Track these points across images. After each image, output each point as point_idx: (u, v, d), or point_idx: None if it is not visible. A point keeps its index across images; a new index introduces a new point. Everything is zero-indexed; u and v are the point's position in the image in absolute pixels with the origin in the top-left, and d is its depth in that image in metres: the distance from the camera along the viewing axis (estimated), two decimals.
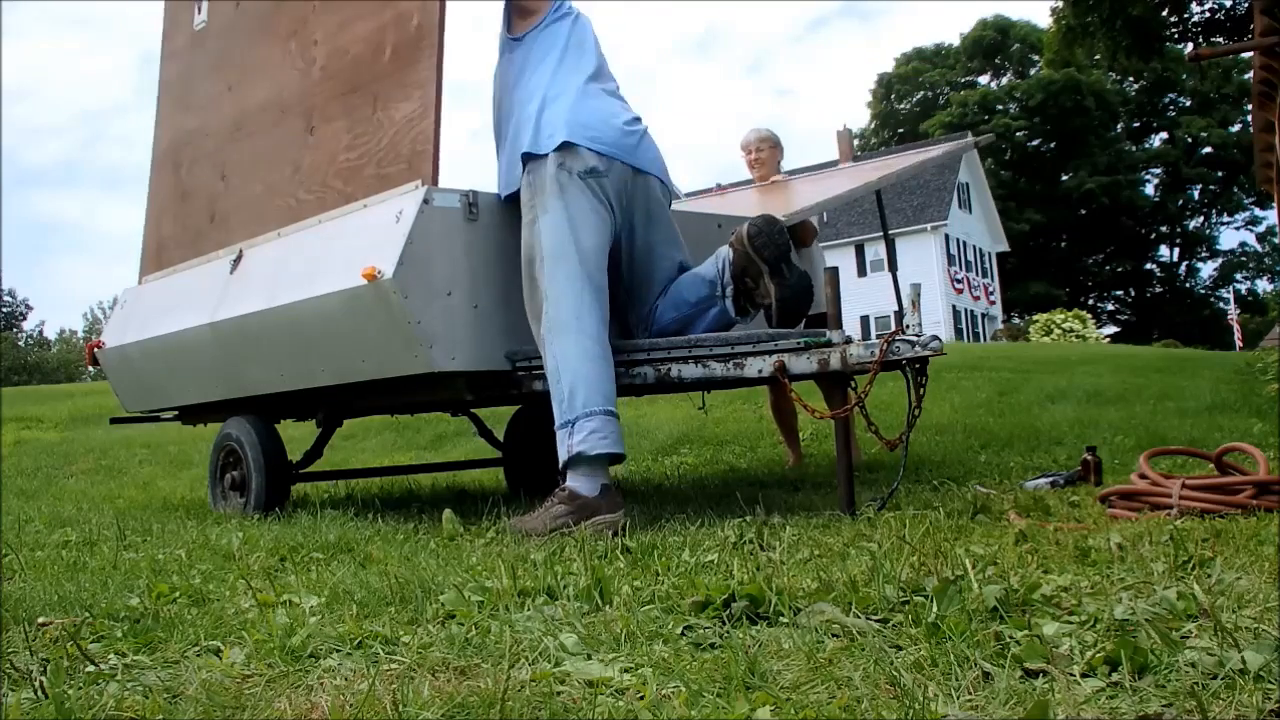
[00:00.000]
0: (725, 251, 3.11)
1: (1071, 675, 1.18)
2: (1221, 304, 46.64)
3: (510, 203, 3.14)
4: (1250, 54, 8.76)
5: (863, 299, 33.56)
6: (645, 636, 1.45)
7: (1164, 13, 15.09)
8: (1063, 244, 47.59)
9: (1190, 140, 47.00)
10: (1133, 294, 50.47)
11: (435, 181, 3.05)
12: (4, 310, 51.49)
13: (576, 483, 2.80)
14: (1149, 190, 48.77)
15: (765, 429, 6.40)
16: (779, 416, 5.12)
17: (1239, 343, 30.99)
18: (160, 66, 4.78)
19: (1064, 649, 1.28)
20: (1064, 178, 46.28)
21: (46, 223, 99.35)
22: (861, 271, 35.82)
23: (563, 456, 2.83)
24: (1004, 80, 49.06)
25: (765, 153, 5.02)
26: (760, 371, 2.91)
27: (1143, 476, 2.78)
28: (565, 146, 2.96)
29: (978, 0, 69.42)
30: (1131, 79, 44.68)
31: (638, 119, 3.19)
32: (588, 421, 2.80)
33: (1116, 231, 46.46)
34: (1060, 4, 16.30)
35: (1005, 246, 41.08)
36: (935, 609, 1.44)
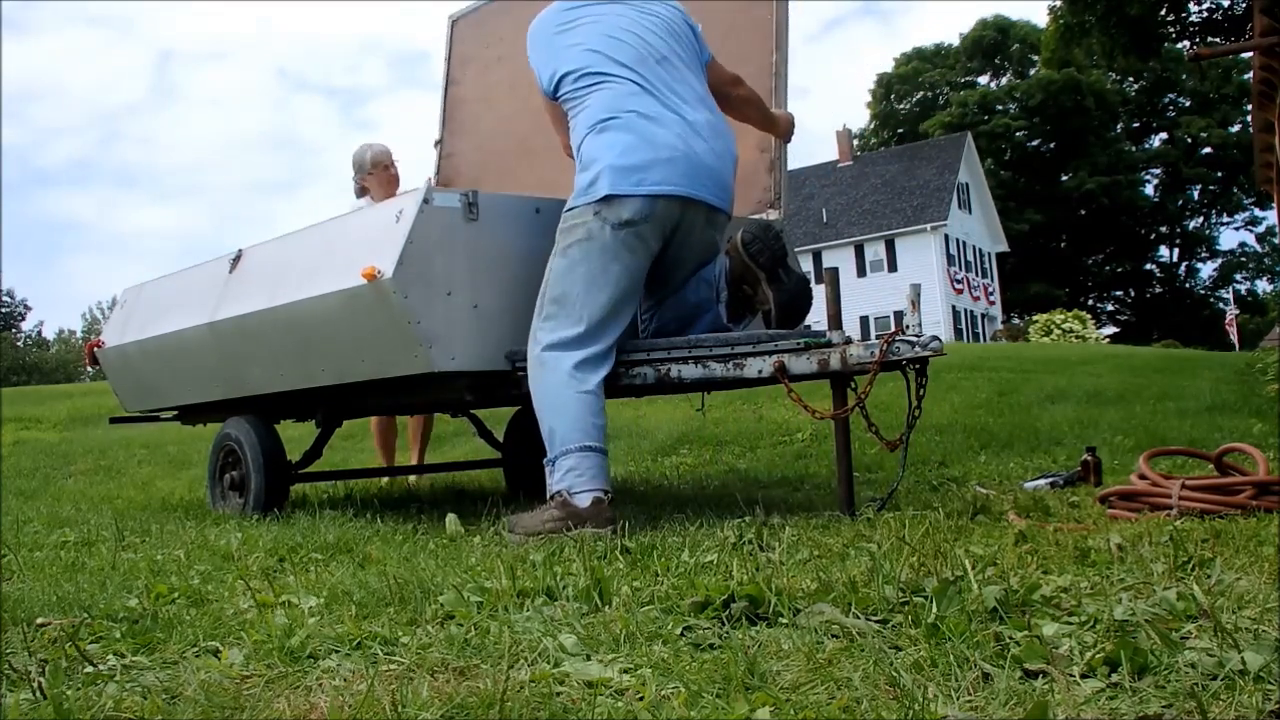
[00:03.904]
0: (723, 259, 3.10)
1: (1071, 676, 1.18)
2: (1221, 304, 46.64)
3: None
4: (1250, 54, 8.76)
5: (862, 299, 33.61)
6: (645, 637, 1.45)
7: (1162, 12, 15.09)
8: (1062, 244, 47.59)
9: (1190, 140, 47.00)
10: (1132, 294, 50.47)
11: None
12: (3, 310, 51.48)
13: (571, 494, 2.79)
14: (1149, 190, 48.79)
15: (765, 429, 6.40)
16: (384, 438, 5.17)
17: (1235, 343, 30.99)
18: None
19: (1064, 650, 1.28)
20: (1064, 178, 46.28)
21: (60, 222, 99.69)
22: (861, 272, 35.87)
23: (549, 493, 2.84)
24: (1004, 80, 49.05)
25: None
26: (760, 372, 2.91)
27: (1142, 477, 2.78)
28: (606, 197, 2.87)
29: (992, 0, 68.87)
30: (1131, 79, 44.69)
31: (704, 123, 2.99)
32: (565, 459, 2.79)
33: (1116, 231, 46.46)
34: (1058, 3, 16.30)
35: (1005, 246, 41.10)
36: (935, 610, 1.43)
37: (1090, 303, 47.57)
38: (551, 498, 2.81)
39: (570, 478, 2.78)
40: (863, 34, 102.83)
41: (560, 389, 2.85)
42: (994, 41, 48.05)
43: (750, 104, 3.35)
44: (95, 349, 4.63)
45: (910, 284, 3.06)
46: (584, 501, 2.76)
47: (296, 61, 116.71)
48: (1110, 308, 50.66)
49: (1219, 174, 47.26)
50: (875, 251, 36.38)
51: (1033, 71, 46.11)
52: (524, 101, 4.25)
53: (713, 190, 3.00)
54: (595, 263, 2.88)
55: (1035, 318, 32.26)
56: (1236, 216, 49.47)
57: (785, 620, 1.51)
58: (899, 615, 1.48)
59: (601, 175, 2.87)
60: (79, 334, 53.69)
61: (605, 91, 2.96)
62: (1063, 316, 30.74)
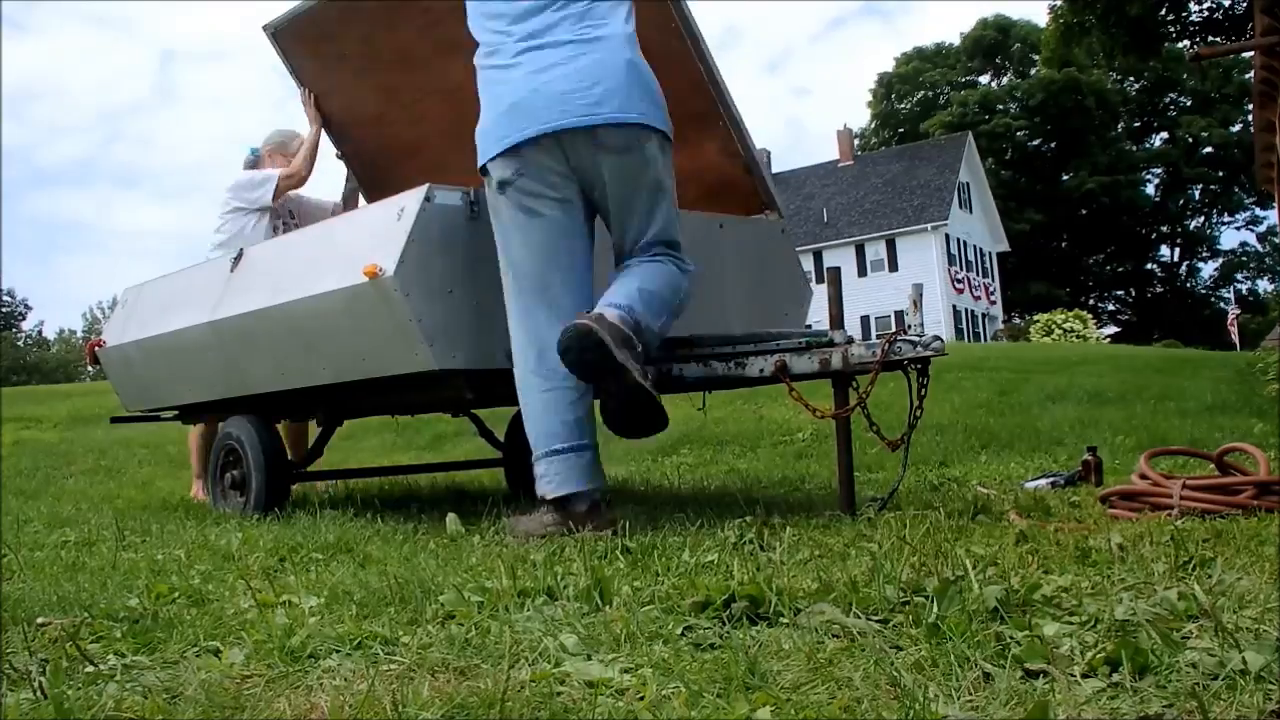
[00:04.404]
0: None
1: (1072, 676, 1.18)
2: (1222, 304, 46.62)
3: None
4: (1250, 54, 8.76)
5: (863, 299, 33.61)
6: (645, 637, 1.45)
7: (1162, 12, 15.10)
8: (1063, 244, 47.59)
9: (1190, 140, 46.98)
10: (1133, 294, 50.47)
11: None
12: (3, 310, 51.51)
13: (553, 497, 2.79)
14: (1149, 190, 48.78)
15: (765, 429, 6.41)
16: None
17: (1236, 343, 30.97)
18: None
19: (1064, 649, 1.28)
20: (1064, 178, 46.27)
21: (60, 222, 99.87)
22: (861, 271, 35.88)
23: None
24: (1004, 80, 49.03)
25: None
26: (761, 371, 2.91)
27: (1143, 477, 2.78)
28: (482, 168, 2.85)
29: (992, 0, 68.87)
30: (1131, 79, 44.70)
31: (560, 45, 2.74)
32: (538, 465, 2.78)
33: (1117, 231, 46.45)
34: (1059, 2, 16.31)
35: (1006, 246, 41.10)
36: (935, 609, 1.43)
37: (1091, 302, 47.55)
38: (540, 501, 2.82)
39: (542, 484, 2.77)
40: (863, 34, 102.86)
41: (526, 391, 2.82)
42: (994, 41, 48.03)
43: None
44: (96, 348, 4.64)
45: (912, 284, 3.06)
46: (580, 506, 2.75)
47: None
48: (1111, 307, 50.67)
49: (1220, 174, 47.24)
50: (876, 251, 36.40)
51: (1033, 71, 46.08)
52: (409, 109, 4.25)
53: (581, 110, 2.70)
54: (509, 238, 2.85)
55: (1036, 317, 32.27)
56: (1237, 216, 49.52)
57: (786, 620, 1.51)
58: (900, 615, 1.48)
59: (480, 143, 2.86)
60: (79, 334, 53.75)
61: (480, 60, 2.91)
62: (1063, 316, 30.74)
